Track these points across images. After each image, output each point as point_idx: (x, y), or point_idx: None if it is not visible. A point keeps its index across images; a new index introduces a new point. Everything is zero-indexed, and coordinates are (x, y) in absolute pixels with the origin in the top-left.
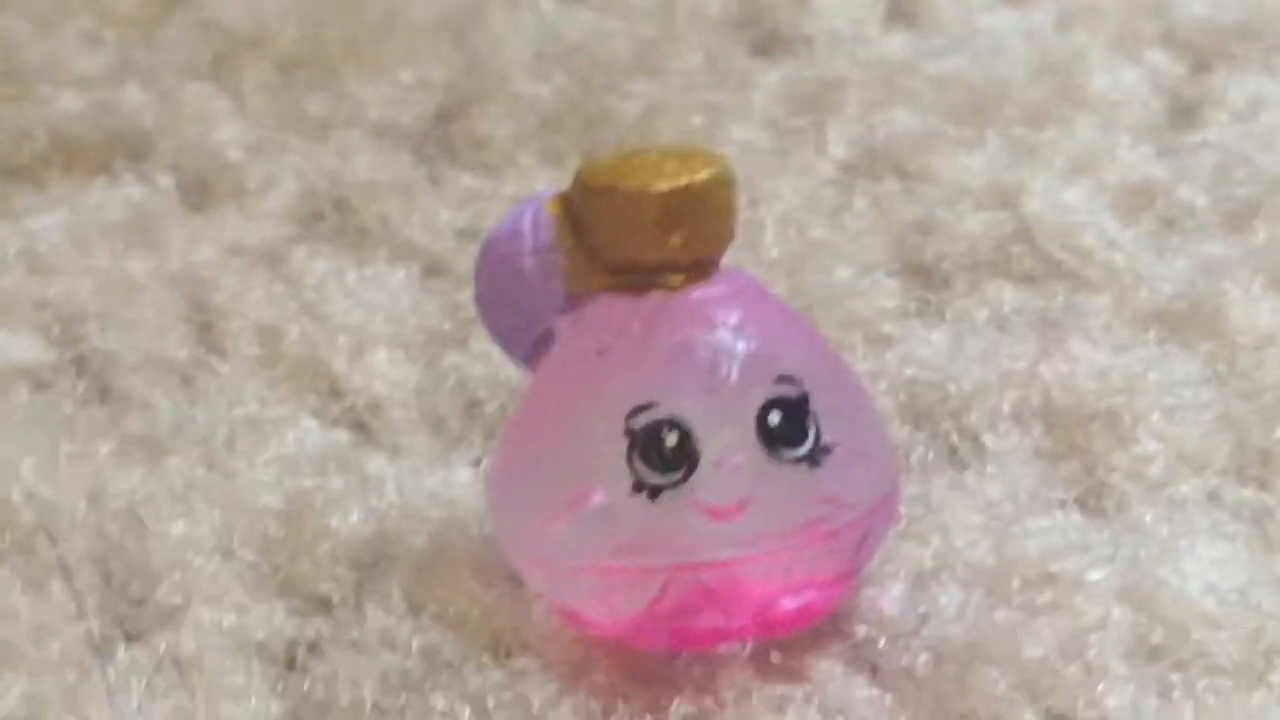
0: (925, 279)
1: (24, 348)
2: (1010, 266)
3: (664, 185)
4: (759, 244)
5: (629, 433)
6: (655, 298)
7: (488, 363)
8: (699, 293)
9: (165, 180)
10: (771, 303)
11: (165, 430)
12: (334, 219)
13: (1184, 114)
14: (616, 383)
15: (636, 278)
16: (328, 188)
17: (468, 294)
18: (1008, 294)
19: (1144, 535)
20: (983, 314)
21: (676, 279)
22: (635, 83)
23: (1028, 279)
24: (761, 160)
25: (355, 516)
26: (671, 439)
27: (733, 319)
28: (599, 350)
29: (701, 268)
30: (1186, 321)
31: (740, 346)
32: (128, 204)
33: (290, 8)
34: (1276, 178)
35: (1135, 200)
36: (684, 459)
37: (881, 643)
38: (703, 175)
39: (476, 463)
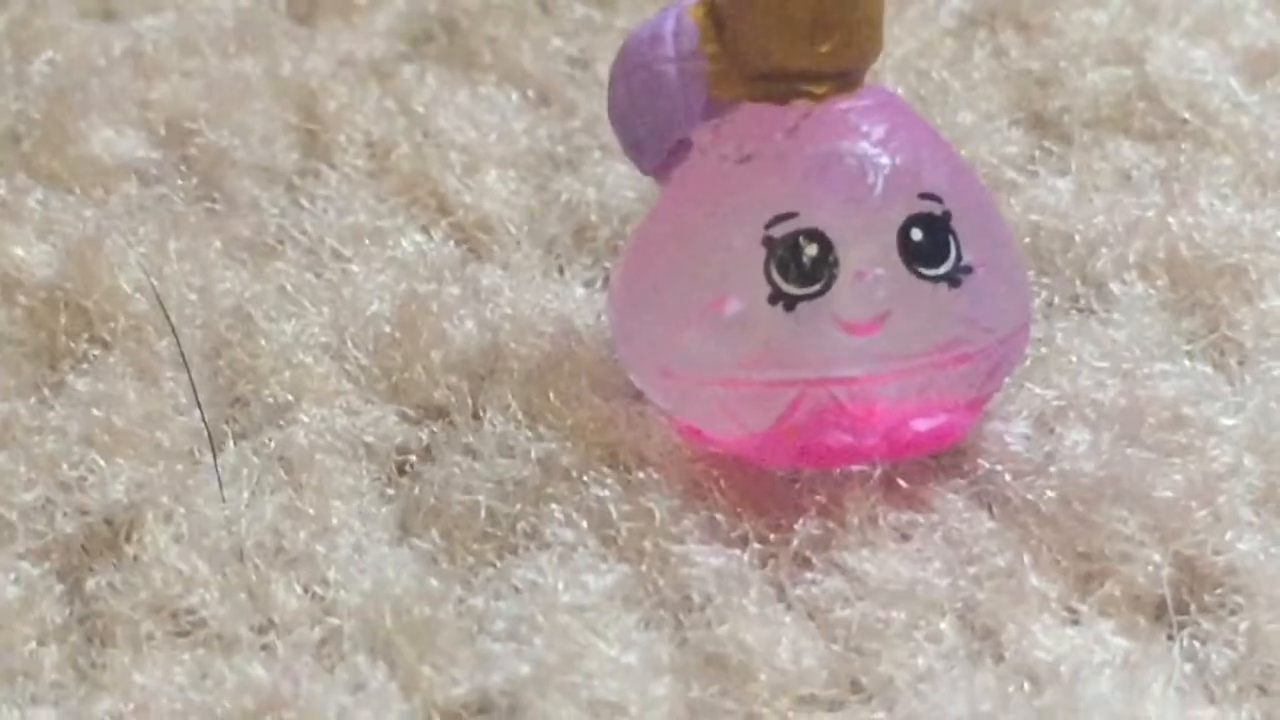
0: (1047, 131)
1: (131, 145)
2: (1133, 123)
3: None
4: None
5: (767, 242)
6: (800, 107)
7: (600, 189)
8: (844, 104)
9: None
10: (916, 120)
11: (272, 234)
12: (443, 40)
13: None
14: (757, 191)
15: (781, 86)
16: (437, 8)
17: (579, 122)
18: (1129, 151)
19: (1271, 388)
20: (1106, 168)
21: (822, 88)
22: None
23: (1150, 137)
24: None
25: (470, 325)
26: (811, 250)
27: (878, 132)
28: (740, 158)
29: (847, 79)
30: None
31: (885, 160)
32: (236, 10)
33: None
34: None
35: (1261, 64)
36: (823, 271)
37: (1008, 477)
38: None
39: (589, 284)
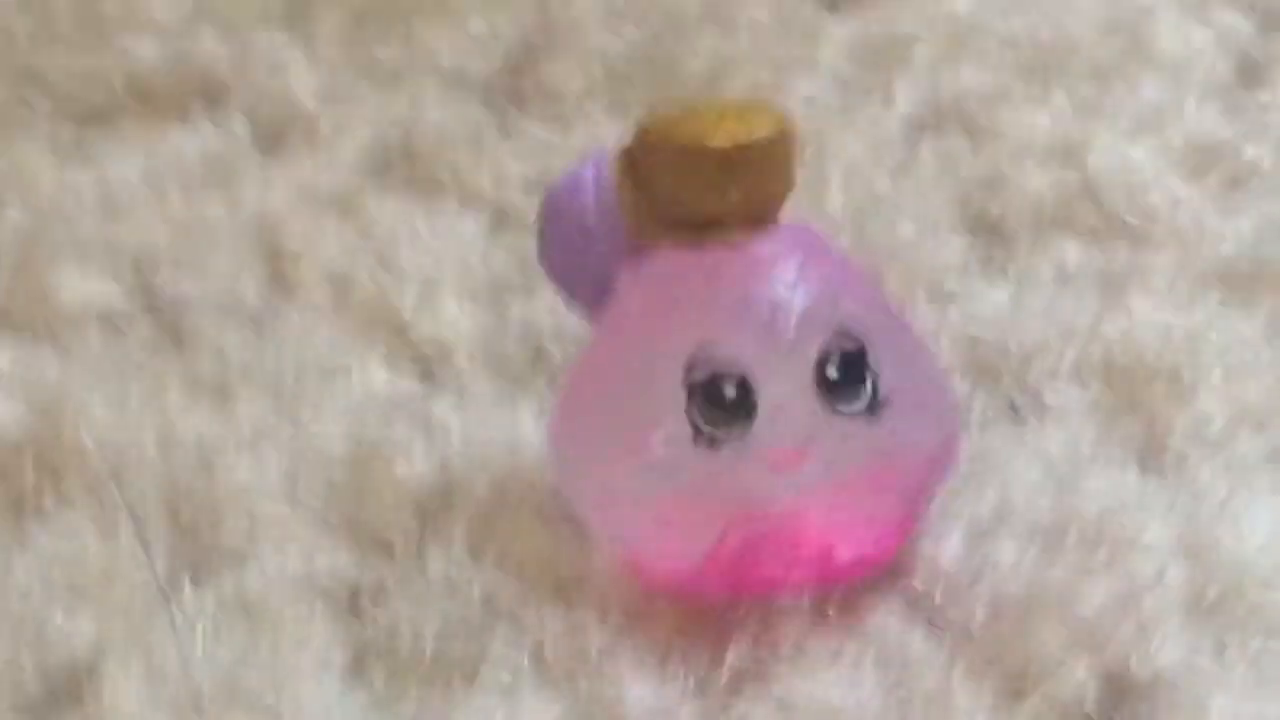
0: (989, 235)
1: (98, 291)
2: (1075, 223)
3: (723, 141)
4: (824, 197)
5: (689, 381)
6: (715, 250)
7: (555, 313)
8: (758, 245)
9: (239, 126)
10: (832, 254)
11: (235, 374)
12: (404, 167)
13: (1252, 73)
14: (676, 334)
15: (697, 230)
16: (399, 136)
17: (534, 244)
18: (1071, 251)
19: (1202, 493)
20: (1046, 270)
21: (736, 232)
22: (704, 37)
23: (1092, 235)
24: (828, 116)
25: (420, 463)
26: (730, 389)
27: (791, 272)
28: (658, 303)
29: (761, 220)
30: (1249, 281)
31: (798, 299)
32: (202, 149)
33: None
34: None
35: (1201, 159)
36: (743, 409)
37: (938, 596)
38: (762, 131)
39: (541, 411)
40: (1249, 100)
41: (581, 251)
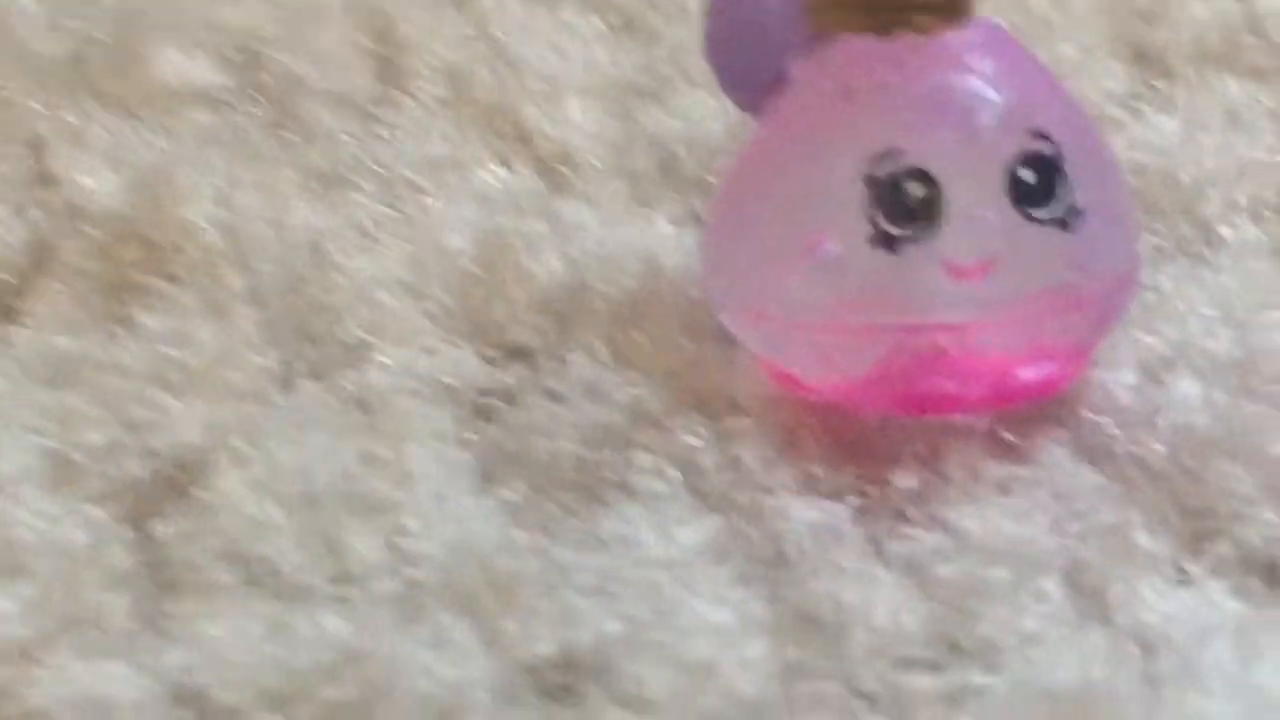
0: (1150, 67)
1: (201, 70)
2: (1240, 60)
3: None
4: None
5: (870, 180)
6: (905, 39)
7: (686, 121)
8: (952, 37)
9: None
10: (1026, 55)
11: (347, 165)
12: None
13: None
14: (860, 127)
15: (886, 16)
16: None
17: (663, 51)
18: (1236, 89)
19: None
20: (1212, 106)
21: (928, 20)
22: None
23: (1258, 75)
24: None
25: (553, 262)
26: (916, 189)
27: (987, 67)
28: (842, 92)
29: (954, 10)
30: None
31: (995, 96)
32: None
33: None
34: None
35: None
36: (928, 211)
37: (1115, 430)
38: None
39: (676, 221)
40: None
41: (754, 38)
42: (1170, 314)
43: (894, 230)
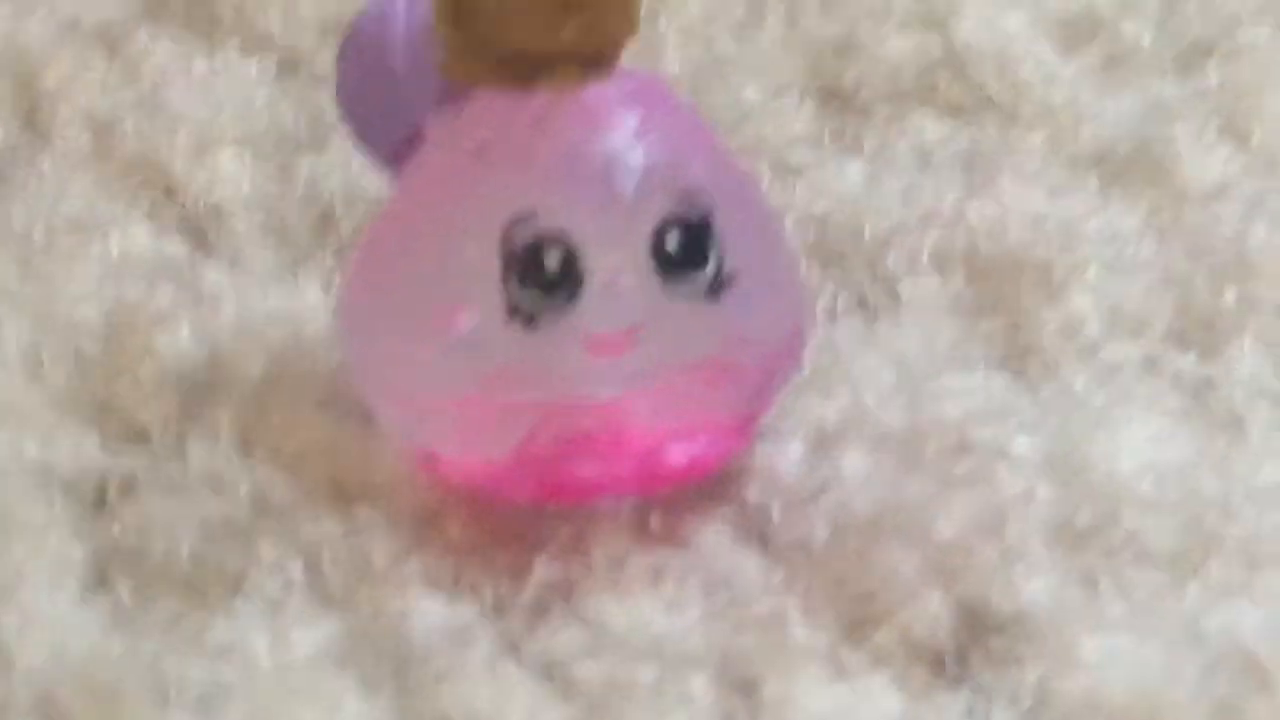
0: (841, 105)
1: None
2: (936, 96)
3: None
4: (659, 58)
5: (506, 249)
6: (544, 95)
7: (346, 172)
8: (594, 91)
9: None
10: (676, 108)
11: None
12: (182, 1)
13: None
14: (494, 189)
15: (524, 70)
16: None
17: (327, 95)
18: (932, 127)
19: (1074, 403)
20: (904, 148)
21: (570, 73)
22: None
23: (955, 111)
24: None
25: (185, 335)
26: (554, 258)
27: (632, 123)
28: (476, 151)
29: (598, 62)
30: (1129, 168)
31: (638, 156)
32: None
33: None
34: (1233, 15)
35: (1078, 31)
36: (566, 281)
37: (775, 510)
38: None
39: (327, 283)
40: None
41: (386, 92)
42: (844, 377)
43: (531, 302)
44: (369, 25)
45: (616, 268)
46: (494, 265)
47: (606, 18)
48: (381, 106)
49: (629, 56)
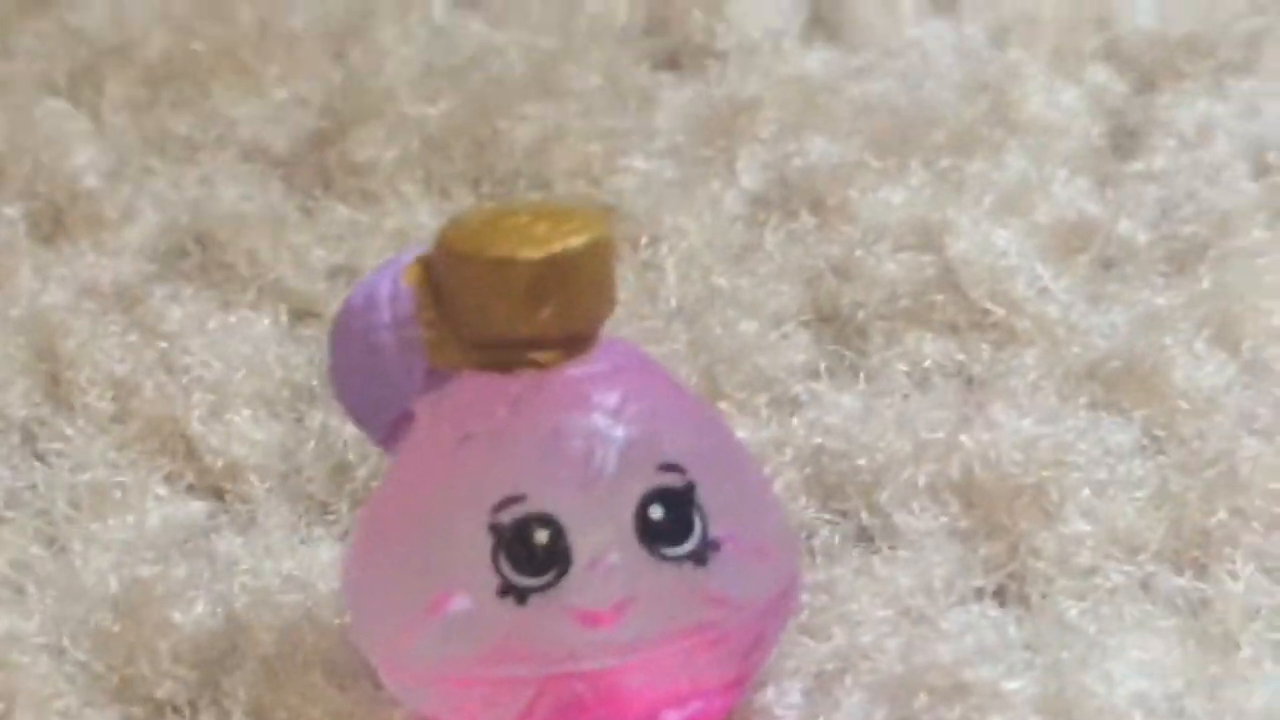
0: (840, 328)
1: None
2: (932, 316)
3: (533, 252)
4: (658, 290)
5: (494, 530)
6: (524, 377)
7: None
8: (573, 371)
9: (12, 210)
10: (656, 378)
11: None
12: (197, 255)
13: (1126, 139)
14: (480, 474)
15: (504, 354)
16: (191, 220)
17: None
18: (928, 347)
19: (1068, 633)
20: (901, 369)
21: (548, 356)
22: (530, 104)
23: (951, 330)
24: (664, 193)
25: (200, 607)
26: (541, 537)
27: (611, 401)
28: (461, 438)
29: (576, 342)
30: (1122, 382)
31: (618, 433)
32: None
33: (156, 15)
34: (1226, 214)
35: (1070, 241)
36: (554, 559)
37: None
38: (577, 241)
39: (342, 537)
40: (1122, 171)
41: (375, 378)
42: (843, 617)
43: (521, 581)
44: (355, 312)
45: (602, 544)
46: (485, 546)
47: (581, 301)
48: (372, 391)
49: (629, 288)
